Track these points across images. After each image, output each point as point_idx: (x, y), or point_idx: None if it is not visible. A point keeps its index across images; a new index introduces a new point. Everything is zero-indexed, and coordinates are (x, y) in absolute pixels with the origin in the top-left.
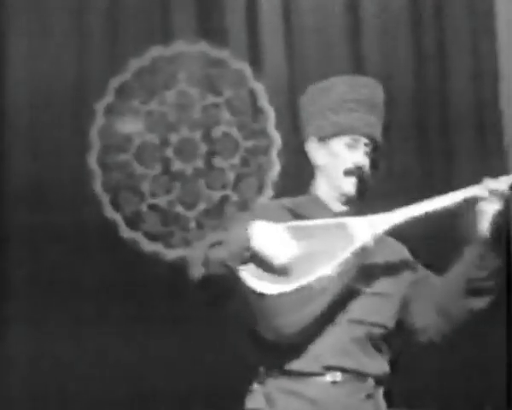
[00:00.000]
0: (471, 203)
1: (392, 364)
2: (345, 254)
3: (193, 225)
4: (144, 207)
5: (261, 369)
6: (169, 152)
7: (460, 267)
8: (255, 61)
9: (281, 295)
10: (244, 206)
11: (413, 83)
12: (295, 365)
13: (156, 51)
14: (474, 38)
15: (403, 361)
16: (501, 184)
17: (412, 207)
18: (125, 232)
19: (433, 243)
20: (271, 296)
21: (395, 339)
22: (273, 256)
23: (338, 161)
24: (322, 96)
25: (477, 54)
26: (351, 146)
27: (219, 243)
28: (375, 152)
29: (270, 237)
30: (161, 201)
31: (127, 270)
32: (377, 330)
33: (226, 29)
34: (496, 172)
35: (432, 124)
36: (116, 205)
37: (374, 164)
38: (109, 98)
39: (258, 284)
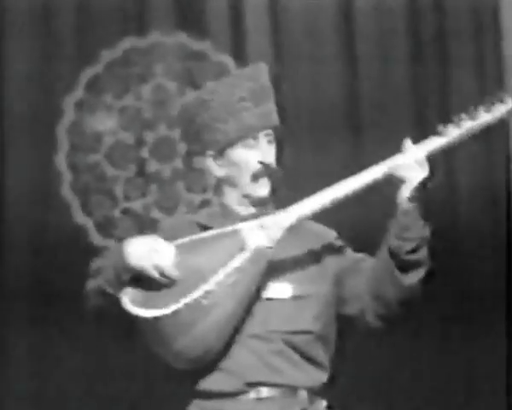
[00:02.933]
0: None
1: (332, 373)
2: (235, 262)
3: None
4: (117, 212)
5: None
6: (144, 152)
7: (385, 242)
8: (238, 52)
9: (166, 317)
10: None
11: (411, 83)
12: (215, 384)
13: (130, 42)
14: (477, 34)
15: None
16: (423, 149)
17: (325, 192)
18: (97, 239)
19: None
20: (156, 320)
21: (330, 342)
22: (149, 270)
23: (242, 168)
24: (202, 109)
25: (480, 50)
26: (251, 146)
27: (97, 272)
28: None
29: (145, 250)
30: (136, 205)
31: None
32: (299, 338)
33: (207, 18)
34: (499, 172)
35: (432, 125)
36: (86, 210)
37: (279, 148)
38: (79, 93)
39: (138, 309)
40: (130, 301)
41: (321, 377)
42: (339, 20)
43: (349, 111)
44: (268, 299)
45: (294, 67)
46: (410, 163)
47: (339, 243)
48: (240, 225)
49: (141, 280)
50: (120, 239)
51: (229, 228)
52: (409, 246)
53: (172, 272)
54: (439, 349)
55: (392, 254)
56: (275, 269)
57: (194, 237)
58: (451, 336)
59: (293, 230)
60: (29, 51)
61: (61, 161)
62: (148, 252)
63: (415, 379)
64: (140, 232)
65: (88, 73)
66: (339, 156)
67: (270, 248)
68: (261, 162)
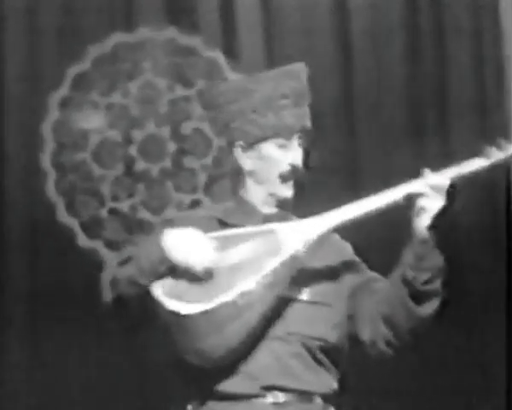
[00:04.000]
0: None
1: (341, 380)
2: (272, 264)
3: (159, 232)
4: (104, 213)
5: (194, 393)
6: (132, 150)
7: (398, 271)
8: (230, 48)
9: (200, 315)
10: None
11: (408, 82)
12: (231, 387)
13: (118, 37)
14: (476, 24)
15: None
16: (442, 178)
17: (346, 208)
18: (83, 241)
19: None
20: (190, 316)
21: (342, 354)
22: (191, 264)
23: (271, 165)
24: (243, 97)
25: (479, 40)
26: (283, 146)
27: (129, 260)
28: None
29: (186, 243)
30: (123, 205)
31: (85, 283)
32: (315, 343)
33: (197, 12)
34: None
35: (428, 122)
36: (72, 210)
37: (306, 152)
38: (65, 90)
39: (173, 302)
40: (165, 294)
41: (332, 383)
42: (333, 15)
43: (343, 109)
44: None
45: (287, 63)
46: (430, 191)
47: (355, 258)
48: (274, 226)
49: (175, 273)
50: (107, 240)
51: (264, 227)
52: (424, 276)
53: (206, 271)
54: (439, 350)
55: (407, 284)
56: (297, 276)
57: (228, 232)
58: (451, 337)
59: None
60: (14, 47)
61: (46, 159)
62: (191, 248)
63: (413, 379)
64: (127, 233)
65: (74, 70)
66: (332, 154)
67: (305, 252)
68: (291, 164)
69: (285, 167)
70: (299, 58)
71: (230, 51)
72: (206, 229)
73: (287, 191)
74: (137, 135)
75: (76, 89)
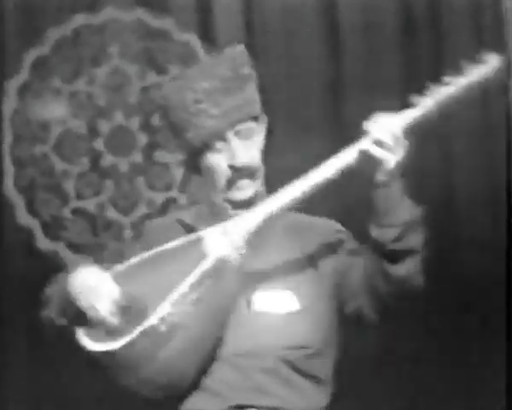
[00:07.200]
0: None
1: (335, 391)
2: (190, 278)
3: (129, 234)
4: (67, 212)
5: None
6: (99, 143)
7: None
8: (205, 30)
9: (124, 348)
10: None
11: (401, 83)
12: (198, 405)
13: (81, 19)
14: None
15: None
16: (387, 128)
17: (290, 188)
18: (44, 243)
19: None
20: (111, 353)
21: (332, 358)
22: (87, 308)
23: (215, 174)
24: (162, 112)
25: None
26: (220, 150)
27: (47, 301)
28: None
29: (86, 285)
30: (89, 204)
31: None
32: (294, 354)
33: None
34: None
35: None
36: (32, 209)
37: (255, 144)
38: (23, 76)
39: (92, 343)
40: (86, 334)
41: (320, 400)
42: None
43: (333, 95)
44: (256, 311)
45: (269, 45)
46: (375, 146)
47: (339, 236)
48: (203, 233)
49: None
50: (70, 243)
51: (192, 236)
52: (391, 233)
53: (106, 318)
54: (439, 350)
55: (376, 244)
56: (260, 278)
57: (156, 251)
58: (451, 337)
59: (281, 230)
60: None
61: (3, 153)
62: (88, 289)
63: (413, 379)
64: (93, 235)
65: (33, 54)
66: (319, 154)
67: (237, 256)
68: (232, 166)
69: (226, 172)
70: (281, 37)
71: (206, 34)
72: (172, 237)
73: (239, 194)
74: (104, 126)
75: (35, 75)
